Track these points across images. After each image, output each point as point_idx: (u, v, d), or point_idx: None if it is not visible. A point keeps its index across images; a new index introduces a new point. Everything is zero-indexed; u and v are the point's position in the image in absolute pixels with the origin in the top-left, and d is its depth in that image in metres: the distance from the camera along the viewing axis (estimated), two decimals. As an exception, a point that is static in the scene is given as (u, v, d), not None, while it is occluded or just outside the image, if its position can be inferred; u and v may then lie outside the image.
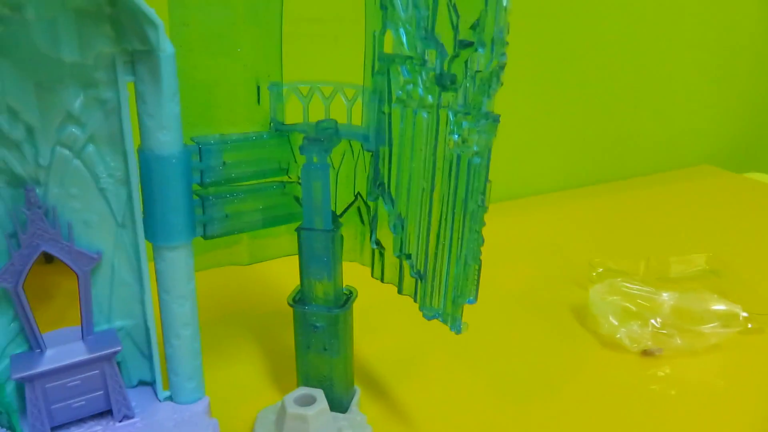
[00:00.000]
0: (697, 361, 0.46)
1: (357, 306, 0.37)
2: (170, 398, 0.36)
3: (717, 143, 0.98)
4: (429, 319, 0.35)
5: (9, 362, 0.32)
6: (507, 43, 0.27)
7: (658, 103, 0.90)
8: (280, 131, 0.37)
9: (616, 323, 0.47)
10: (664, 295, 0.49)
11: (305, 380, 0.38)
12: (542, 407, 0.41)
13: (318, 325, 0.36)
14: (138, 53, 0.29)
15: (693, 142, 0.96)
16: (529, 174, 0.83)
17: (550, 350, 0.47)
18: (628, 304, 0.48)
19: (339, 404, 0.37)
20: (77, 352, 0.32)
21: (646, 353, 0.46)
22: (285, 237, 0.40)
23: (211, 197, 0.35)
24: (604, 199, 0.81)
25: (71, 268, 0.32)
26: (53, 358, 0.32)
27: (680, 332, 0.47)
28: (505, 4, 0.26)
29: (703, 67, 0.92)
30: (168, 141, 0.30)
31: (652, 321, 0.47)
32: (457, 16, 0.28)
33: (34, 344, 0.32)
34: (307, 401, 0.35)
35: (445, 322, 0.34)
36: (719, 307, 0.48)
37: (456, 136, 0.30)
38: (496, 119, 0.28)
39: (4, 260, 0.30)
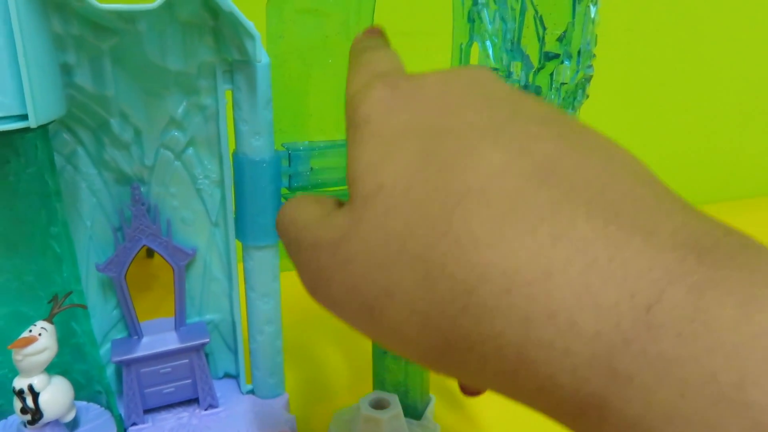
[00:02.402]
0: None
1: (435, 315, 0.38)
2: (252, 392, 0.37)
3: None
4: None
5: (110, 346, 0.34)
6: (594, 56, 0.26)
7: (769, 121, 0.85)
8: (367, 140, 0.38)
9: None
10: None
11: (381, 385, 0.38)
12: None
13: (395, 331, 0.37)
14: (236, 63, 0.31)
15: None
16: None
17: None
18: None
19: (413, 411, 0.38)
20: (170, 341, 0.35)
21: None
22: (367, 243, 0.40)
23: (298, 201, 0.36)
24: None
25: (168, 263, 0.34)
26: (149, 345, 0.34)
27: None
28: (593, 16, 0.26)
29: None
30: (260, 146, 0.32)
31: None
32: (544, 29, 0.28)
33: (132, 331, 0.35)
34: (382, 405, 0.36)
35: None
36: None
37: (539, 148, 0.30)
38: (580, 132, 0.28)
39: (110, 252, 0.33)
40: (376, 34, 0.25)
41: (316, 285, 0.18)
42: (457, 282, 0.14)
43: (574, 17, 0.26)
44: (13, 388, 0.29)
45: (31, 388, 0.29)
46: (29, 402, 0.29)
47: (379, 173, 0.17)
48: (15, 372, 0.30)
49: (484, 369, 0.15)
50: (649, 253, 0.13)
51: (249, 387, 0.37)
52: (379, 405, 0.36)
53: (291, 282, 0.38)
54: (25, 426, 0.30)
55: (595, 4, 0.26)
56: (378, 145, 0.17)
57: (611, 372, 0.13)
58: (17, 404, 0.29)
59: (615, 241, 0.13)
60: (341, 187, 0.38)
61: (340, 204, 0.19)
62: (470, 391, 0.23)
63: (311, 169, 0.36)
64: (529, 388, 0.14)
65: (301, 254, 0.19)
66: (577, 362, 0.13)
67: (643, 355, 0.12)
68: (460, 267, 0.14)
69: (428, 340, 0.15)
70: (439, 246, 0.15)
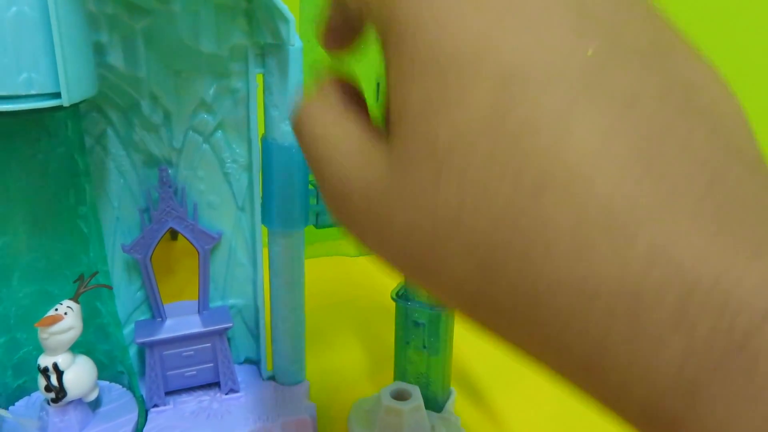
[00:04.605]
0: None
1: (459, 307, 0.37)
2: (273, 378, 0.37)
3: None
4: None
5: (133, 327, 0.34)
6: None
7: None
8: (396, 128, 0.37)
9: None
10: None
11: (402, 376, 0.38)
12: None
13: (420, 321, 0.36)
14: (269, 47, 0.30)
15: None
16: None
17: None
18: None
19: (434, 403, 0.37)
20: (193, 324, 0.35)
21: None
22: (393, 233, 0.40)
23: (325, 188, 0.36)
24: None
25: (194, 246, 0.34)
26: (172, 327, 0.34)
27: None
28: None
29: None
30: (290, 131, 0.31)
31: None
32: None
33: (156, 313, 0.35)
34: (403, 396, 0.35)
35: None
36: None
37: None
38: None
39: (136, 233, 0.33)
40: None
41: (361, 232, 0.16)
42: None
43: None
44: (38, 365, 0.29)
45: (55, 366, 0.29)
46: (53, 380, 0.29)
47: (432, 122, 0.13)
48: (40, 350, 0.30)
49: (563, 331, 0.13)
50: (755, 274, 0.11)
51: (270, 373, 0.37)
52: (400, 396, 0.35)
53: (315, 269, 0.38)
54: (49, 404, 0.30)
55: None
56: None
57: (694, 396, 0.11)
58: (41, 382, 0.29)
59: (721, 258, 0.11)
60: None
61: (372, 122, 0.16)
62: None
63: (340, 156, 0.35)
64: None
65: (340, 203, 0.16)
66: (657, 376, 0.12)
67: (732, 385, 0.11)
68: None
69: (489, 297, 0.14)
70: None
